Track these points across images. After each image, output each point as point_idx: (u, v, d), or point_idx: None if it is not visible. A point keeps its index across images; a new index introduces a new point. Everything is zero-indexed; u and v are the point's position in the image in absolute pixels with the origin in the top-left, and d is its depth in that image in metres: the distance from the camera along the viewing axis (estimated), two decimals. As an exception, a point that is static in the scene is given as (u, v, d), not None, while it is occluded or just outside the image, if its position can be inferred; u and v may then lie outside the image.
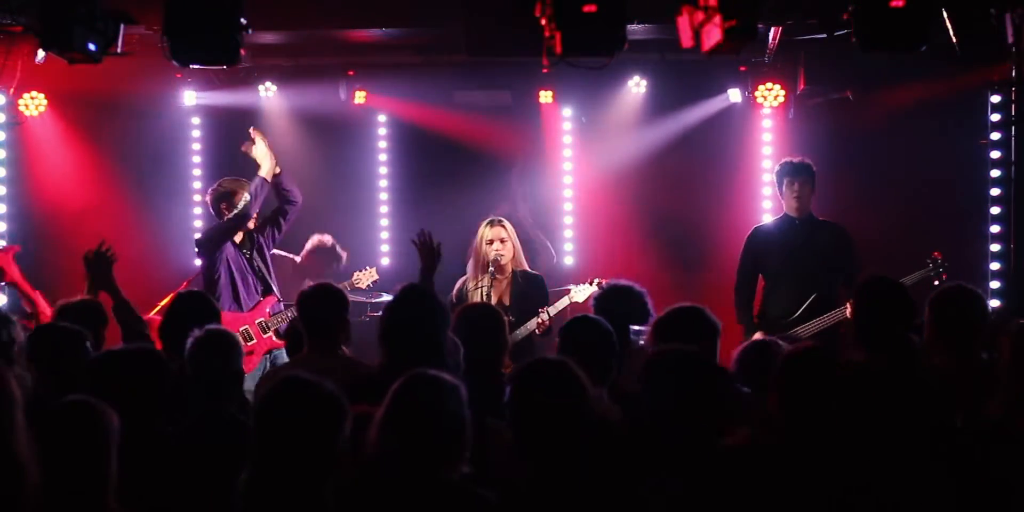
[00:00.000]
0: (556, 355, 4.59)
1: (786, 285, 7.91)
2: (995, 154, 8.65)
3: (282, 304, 8.38)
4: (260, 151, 8.38)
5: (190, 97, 10.13)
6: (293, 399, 3.60)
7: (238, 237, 8.33)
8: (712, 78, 9.86)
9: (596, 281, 7.74)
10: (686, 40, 7.07)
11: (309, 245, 9.48)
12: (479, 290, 7.62)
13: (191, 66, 7.63)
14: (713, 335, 4.71)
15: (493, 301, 7.50)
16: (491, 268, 7.64)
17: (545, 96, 10.04)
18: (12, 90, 9.76)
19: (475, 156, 10.21)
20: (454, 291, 7.75)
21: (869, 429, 3.80)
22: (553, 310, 7.64)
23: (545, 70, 8.85)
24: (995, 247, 8.81)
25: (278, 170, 8.43)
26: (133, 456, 3.68)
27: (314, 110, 10.19)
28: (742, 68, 9.77)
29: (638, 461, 3.83)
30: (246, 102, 10.17)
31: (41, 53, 8.06)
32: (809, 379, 3.93)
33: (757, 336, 7.49)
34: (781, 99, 9.75)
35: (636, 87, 9.98)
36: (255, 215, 8.34)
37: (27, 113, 9.98)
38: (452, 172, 10.24)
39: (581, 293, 7.74)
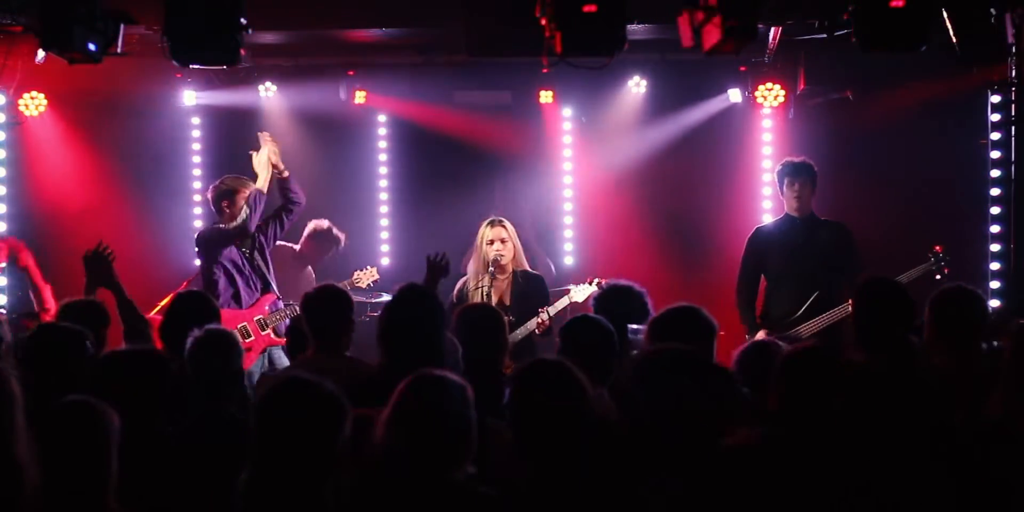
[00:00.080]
0: (557, 355, 4.59)
1: (788, 284, 7.91)
2: (995, 154, 8.65)
3: (281, 302, 8.39)
4: (260, 161, 8.41)
5: (190, 97, 10.13)
6: (293, 399, 3.60)
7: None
8: (712, 78, 9.87)
9: (596, 281, 7.74)
10: (686, 40, 7.08)
11: (306, 231, 9.46)
12: (479, 290, 7.63)
13: (191, 66, 7.63)
14: (710, 335, 4.71)
15: (493, 301, 7.50)
16: (491, 268, 7.64)
17: (545, 96, 10.04)
18: (12, 90, 9.77)
19: (475, 156, 10.21)
20: (455, 291, 7.75)
21: (869, 429, 3.80)
22: (553, 310, 7.64)
23: (545, 70, 8.86)
24: (995, 247, 8.81)
25: (286, 173, 8.45)
26: (133, 456, 3.67)
27: (314, 110, 10.20)
28: (742, 68, 9.77)
29: (638, 461, 3.83)
30: (246, 102, 10.18)
31: (41, 53, 8.06)
32: (809, 379, 3.93)
33: (760, 335, 7.51)
34: (781, 99, 9.75)
35: (636, 87, 9.99)
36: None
37: (27, 113, 9.98)
38: (452, 172, 10.25)
39: (580, 293, 7.75)
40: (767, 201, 9.91)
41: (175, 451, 4.18)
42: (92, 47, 7.10)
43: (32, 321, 7.61)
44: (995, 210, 8.74)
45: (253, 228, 8.28)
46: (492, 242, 7.71)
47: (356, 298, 8.46)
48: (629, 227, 10.21)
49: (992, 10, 7.56)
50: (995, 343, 5.03)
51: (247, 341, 7.95)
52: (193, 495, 4.06)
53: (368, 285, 8.81)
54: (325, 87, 10.10)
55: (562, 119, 10.39)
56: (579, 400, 3.79)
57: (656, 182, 10.15)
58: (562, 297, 7.83)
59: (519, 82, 9.94)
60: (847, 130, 9.67)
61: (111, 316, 5.60)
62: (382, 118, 10.56)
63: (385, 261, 10.45)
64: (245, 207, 8.24)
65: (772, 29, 8.58)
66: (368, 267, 8.87)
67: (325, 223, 9.43)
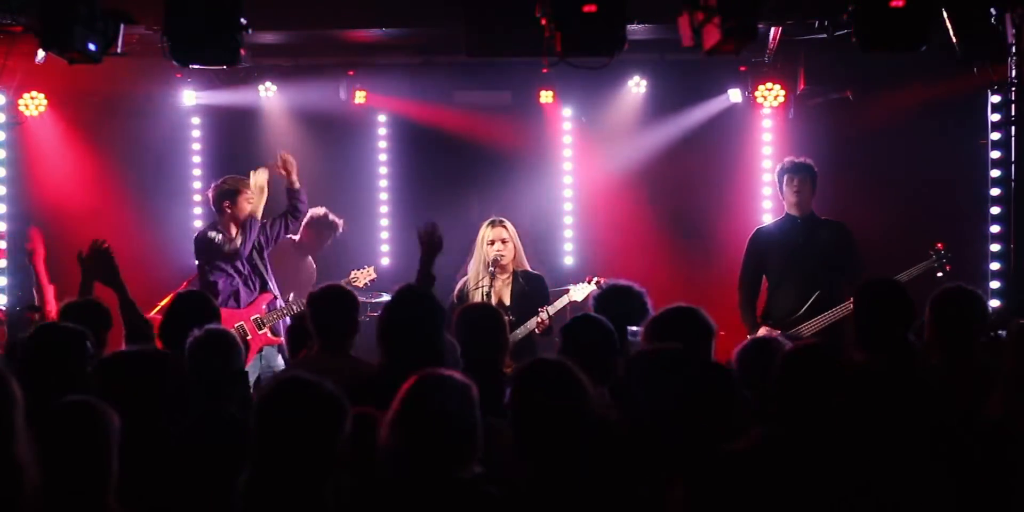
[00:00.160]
0: (557, 355, 4.60)
1: (789, 284, 7.91)
2: (995, 154, 8.65)
3: (279, 301, 8.40)
4: (257, 183, 8.44)
5: (190, 97, 10.14)
6: (293, 399, 3.60)
7: (235, 234, 8.36)
8: (712, 78, 9.87)
9: (595, 279, 7.74)
10: (686, 40, 7.09)
11: (304, 220, 9.46)
12: (479, 290, 7.63)
13: (191, 66, 7.63)
14: (708, 336, 4.71)
15: (493, 301, 7.50)
16: (491, 268, 7.64)
17: (545, 96, 10.04)
18: (12, 90, 9.77)
19: (475, 156, 10.22)
20: (455, 291, 7.75)
21: (869, 429, 3.80)
22: (552, 309, 7.64)
23: (545, 70, 8.87)
24: (995, 247, 8.80)
25: (297, 185, 8.53)
26: (133, 456, 3.67)
27: (314, 110, 10.20)
28: (742, 68, 9.77)
29: (638, 461, 3.83)
30: (246, 102, 10.18)
31: (41, 53, 8.06)
32: (810, 377, 3.93)
33: (762, 332, 7.52)
34: (781, 99, 9.75)
35: (636, 87, 9.99)
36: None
37: (27, 113, 9.98)
38: (452, 172, 10.25)
39: (580, 292, 7.74)
40: (767, 201, 9.91)
41: (175, 451, 4.18)
42: (92, 47, 7.10)
43: (35, 313, 7.58)
44: (995, 210, 8.73)
45: (247, 253, 8.28)
46: (493, 242, 7.71)
47: (355, 298, 8.53)
48: (629, 227, 10.22)
49: (992, 10, 7.57)
50: (997, 333, 5.03)
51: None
52: (193, 495, 4.06)
53: (365, 284, 8.81)
54: (325, 87, 10.10)
55: (562, 119, 10.39)
56: (580, 400, 3.80)
57: (656, 182, 10.15)
58: (561, 296, 7.83)
59: (519, 82, 9.94)
60: (847, 130, 9.67)
61: (113, 318, 5.60)
62: (382, 118, 10.56)
63: (385, 261, 10.45)
64: (239, 237, 8.25)
65: (772, 29, 8.58)
66: (365, 267, 8.87)
67: (321, 210, 9.41)
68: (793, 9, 7.98)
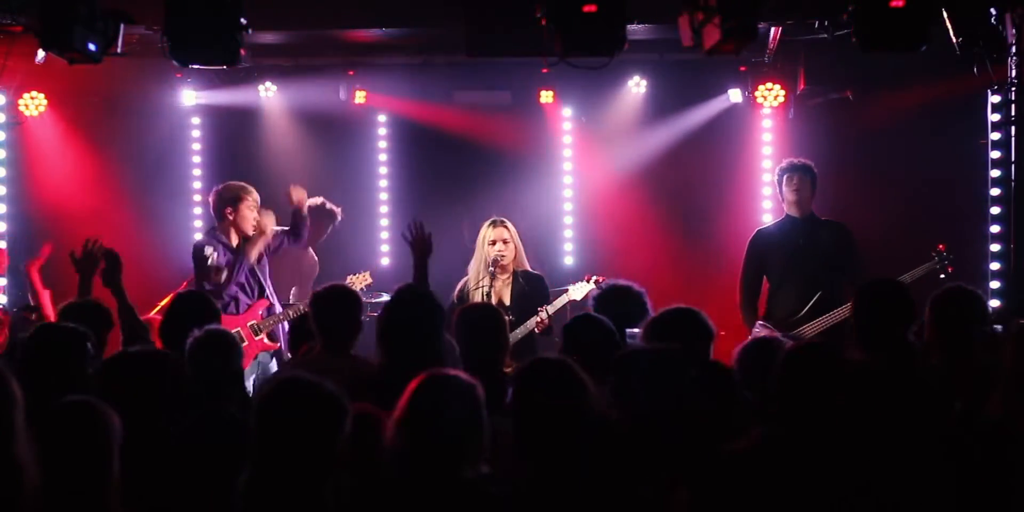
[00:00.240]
0: (558, 354, 4.60)
1: (790, 285, 7.90)
2: (995, 154, 8.64)
3: (276, 307, 8.40)
4: (265, 225, 8.40)
5: (190, 97, 10.14)
6: (293, 399, 3.60)
7: (234, 241, 8.36)
8: (712, 78, 9.87)
9: (594, 279, 7.74)
10: (686, 40, 7.09)
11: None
12: (479, 290, 7.64)
13: (191, 66, 7.63)
14: (707, 338, 4.71)
15: (493, 301, 7.50)
16: (491, 268, 7.64)
17: (546, 96, 10.04)
18: (12, 90, 9.77)
19: (475, 156, 10.22)
20: (455, 291, 7.75)
21: (869, 429, 3.80)
22: (552, 309, 7.64)
23: (545, 70, 8.88)
24: (995, 247, 8.79)
25: (304, 213, 8.54)
26: (134, 456, 3.68)
27: (314, 110, 10.20)
28: (742, 68, 9.77)
29: (639, 460, 3.83)
30: (246, 102, 10.19)
31: (41, 53, 8.07)
32: (810, 375, 3.93)
33: (757, 329, 7.52)
34: (781, 99, 9.75)
35: (636, 87, 9.99)
36: (252, 229, 8.43)
37: (27, 113, 9.99)
38: (452, 172, 10.26)
39: (579, 291, 7.74)
40: (767, 201, 9.91)
41: (175, 451, 4.18)
42: (92, 47, 7.11)
43: (32, 313, 7.58)
44: (995, 210, 8.73)
45: (230, 289, 8.24)
46: (494, 242, 7.71)
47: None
48: (629, 227, 10.22)
49: (992, 10, 7.57)
50: (993, 327, 5.04)
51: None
52: (193, 495, 4.06)
53: (361, 289, 8.80)
54: (325, 87, 10.10)
55: (562, 119, 10.39)
56: (582, 399, 3.80)
57: (656, 182, 10.16)
58: (561, 296, 7.83)
59: (519, 82, 9.94)
60: (847, 130, 9.67)
61: (113, 319, 5.59)
62: (382, 118, 10.56)
63: (385, 261, 10.46)
64: (224, 272, 8.25)
65: (772, 29, 8.58)
66: (362, 271, 8.83)
67: (319, 199, 9.40)
68: (793, 9, 7.98)
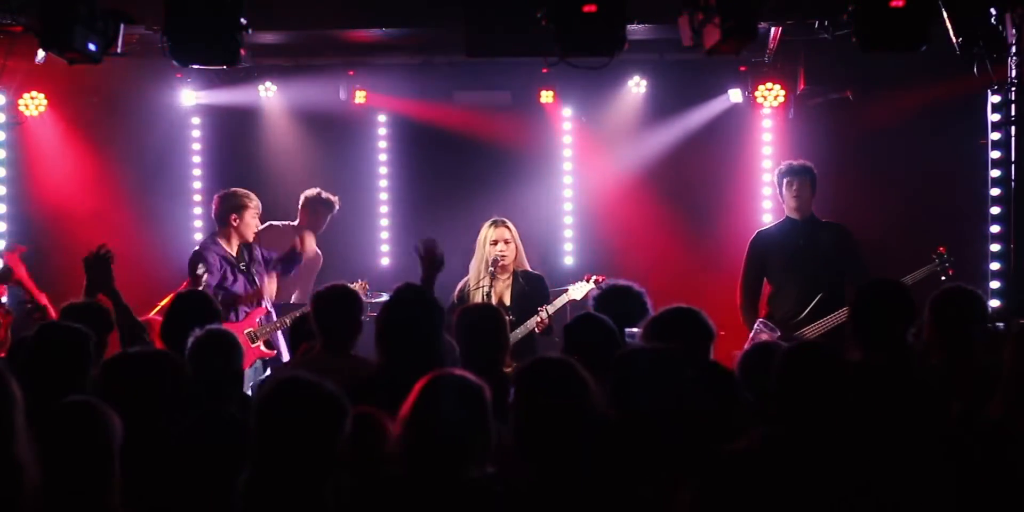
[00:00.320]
0: (560, 353, 4.60)
1: (791, 287, 7.90)
2: (995, 154, 8.64)
3: (272, 315, 8.40)
4: (310, 246, 8.42)
5: (190, 97, 10.13)
6: (293, 399, 3.60)
7: (234, 248, 8.37)
8: (712, 78, 9.87)
9: (593, 278, 7.74)
10: (686, 40, 7.10)
11: (300, 203, 9.43)
12: (480, 290, 7.64)
13: (191, 66, 7.63)
14: (707, 338, 4.70)
15: (494, 301, 7.51)
16: (491, 267, 7.64)
17: (546, 96, 10.04)
18: (12, 90, 9.77)
19: (475, 156, 10.22)
20: (456, 291, 7.75)
21: (869, 429, 3.80)
22: (552, 309, 7.64)
23: (545, 70, 8.88)
24: (995, 247, 8.79)
25: (299, 251, 8.62)
26: (134, 456, 3.68)
27: (314, 110, 10.20)
28: (742, 68, 9.77)
29: (638, 460, 3.83)
30: (246, 102, 10.19)
31: (41, 53, 8.06)
32: (810, 375, 3.92)
33: (757, 326, 7.52)
34: (781, 99, 9.74)
35: (636, 87, 9.99)
36: (253, 236, 8.48)
37: (27, 113, 9.98)
38: (452, 172, 10.26)
39: (579, 290, 7.74)
40: (767, 201, 9.91)
41: (175, 451, 4.18)
42: (92, 47, 7.11)
43: (37, 312, 7.55)
44: (995, 210, 8.72)
45: (227, 297, 8.25)
46: (496, 242, 7.71)
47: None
48: (629, 227, 10.22)
49: (992, 10, 7.57)
50: (995, 324, 5.03)
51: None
52: (193, 495, 4.06)
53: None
54: (325, 87, 10.09)
55: (562, 119, 10.39)
56: (583, 398, 3.81)
57: (656, 182, 10.15)
58: (561, 295, 7.83)
59: (519, 82, 9.94)
60: (847, 130, 9.67)
61: (113, 321, 5.59)
62: (382, 118, 10.56)
63: (385, 261, 10.46)
64: (240, 250, 8.26)
65: (772, 29, 8.58)
66: (359, 280, 8.80)
67: (315, 190, 9.40)
68: (793, 9, 7.98)
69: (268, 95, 10.10)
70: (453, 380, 3.76)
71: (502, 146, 10.26)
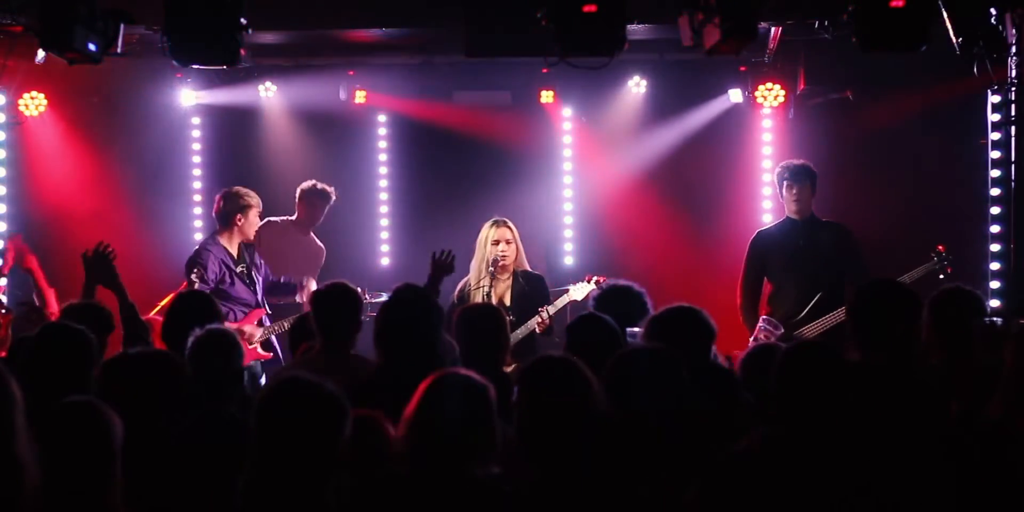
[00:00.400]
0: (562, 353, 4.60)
1: (791, 286, 7.91)
2: (995, 154, 8.63)
3: (268, 319, 8.40)
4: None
5: (190, 97, 10.13)
6: (293, 400, 3.60)
7: (235, 247, 8.38)
8: (712, 78, 9.86)
9: (594, 279, 7.75)
10: (686, 40, 7.10)
11: (296, 197, 9.42)
12: (480, 290, 7.64)
13: (191, 66, 7.62)
14: (708, 337, 4.70)
15: (494, 301, 7.51)
16: (491, 267, 7.64)
17: (546, 96, 10.03)
18: (12, 90, 9.76)
19: (475, 156, 10.22)
20: (456, 291, 7.75)
21: (869, 429, 3.80)
22: (553, 309, 7.64)
23: (545, 70, 8.88)
24: (995, 247, 8.78)
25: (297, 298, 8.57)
26: (134, 456, 3.68)
27: (314, 110, 10.20)
28: (742, 68, 9.76)
29: (638, 460, 3.83)
30: (246, 102, 10.18)
31: (41, 53, 8.06)
32: (809, 375, 3.93)
33: (767, 327, 7.52)
34: (781, 99, 9.74)
35: (636, 87, 9.99)
36: (253, 236, 8.49)
37: (27, 113, 9.97)
38: (452, 172, 10.26)
39: (579, 291, 7.75)
40: (767, 201, 9.91)
41: (175, 451, 4.18)
42: (92, 47, 7.11)
43: (32, 312, 7.55)
44: (995, 210, 8.72)
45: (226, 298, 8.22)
46: (497, 242, 7.71)
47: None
48: (630, 227, 10.22)
49: (992, 10, 7.57)
50: (993, 320, 5.04)
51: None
52: (193, 495, 4.06)
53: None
54: (325, 87, 10.09)
55: (562, 119, 10.39)
56: (587, 396, 3.81)
57: (656, 182, 10.15)
58: (561, 296, 7.83)
59: (519, 82, 9.93)
60: (847, 130, 9.67)
61: (114, 322, 5.58)
62: (382, 118, 10.56)
63: (385, 261, 10.46)
64: (240, 252, 8.27)
65: (772, 29, 8.58)
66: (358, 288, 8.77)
67: (310, 182, 9.39)
68: (793, 9, 7.98)
69: (268, 95, 10.09)
70: (458, 379, 3.77)
71: (502, 146, 10.26)
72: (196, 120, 10.52)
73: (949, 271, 7.84)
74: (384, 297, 8.37)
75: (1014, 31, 7.59)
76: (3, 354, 6.16)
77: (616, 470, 3.76)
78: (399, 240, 10.45)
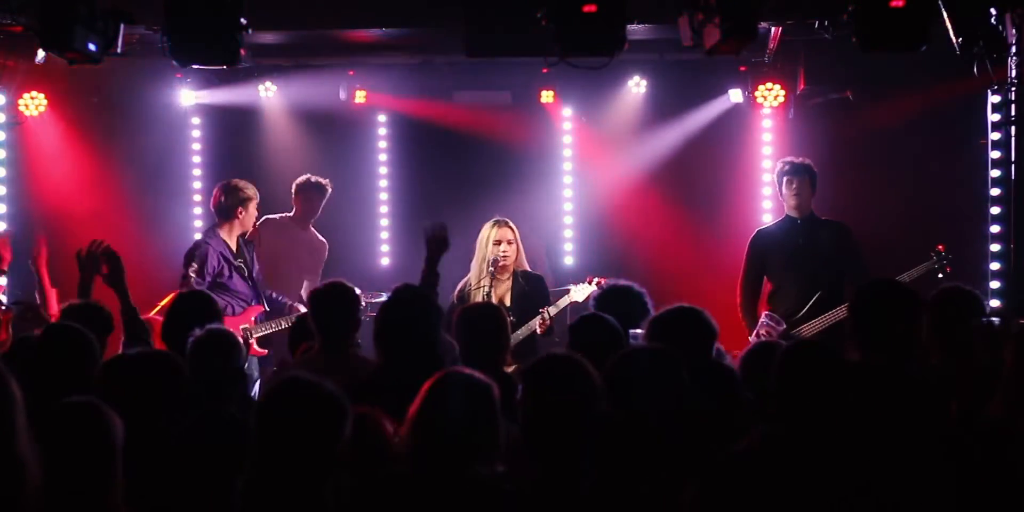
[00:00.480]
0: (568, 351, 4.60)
1: (790, 285, 7.91)
2: (995, 154, 8.63)
3: (266, 314, 8.41)
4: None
5: (190, 97, 10.13)
6: (293, 399, 3.60)
7: (233, 240, 8.38)
8: (712, 78, 9.87)
9: (595, 280, 7.75)
10: (686, 40, 7.10)
11: (292, 192, 9.42)
12: (480, 290, 7.64)
13: (191, 66, 7.62)
14: (710, 337, 4.70)
15: (494, 301, 7.50)
16: (491, 268, 7.64)
17: (546, 96, 10.04)
18: (12, 90, 9.77)
19: (476, 156, 10.22)
20: (456, 292, 7.75)
21: (869, 429, 3.80)
22: (554, 310, 7.64)
23: (545, 70, 8.88)
24: (995, 247, 8.79)
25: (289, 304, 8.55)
26: (134, 456, 3.67)
27: (314, 110, 10.20)
28: (742, 68, 9.76)
29: (638, 459, 3.83)
30: (246, 102, 10.19)
31: (41, 53, 8.07)
32: (809, 374, 3.93)
33: (769, 322, 7.52)
34: (781, 99, 9.74)
35: (636, 87, 9.99)
36: (253, 227, 8.50)
37: (27, 113, 9.98)
38: (452, 172, 10.27)
39: (580, 292, 7.75)
40: (767, 201, 9.91)
41: (175, 451, 4.18)
42: (92, 47, 7.10)
43: (28, 312, 7.54)
44: (995, 210, 8.72)
45: (226, 292, 8.22)
46: (498, 242, 7.71)
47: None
48: (630, 227, 10.22)
49: (992, 10, 7.57)
50: (991, 319, 5.04)
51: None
52: (193, 495, 4.06)
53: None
54: (325, 87, 10.09)
55: (562, 119, 10.39)
56: (591, 394, 3.81)
57: (657, 182, 10.16)
58: (562, 297, 7.83)
59: (519, 82, 9.94)
60: (847, 130, 9.67)
61: (114, 323, 5.58)
62: (382, 118, 10.56)
63: (385, 261, 10.46)
64: (240, 247, 8.28)
65: (772, 29, 8.58)
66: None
67: (305, 176, 9.39)
68: (793, 9, 7.98)
69: (268, 95, 10.10)
70: (462, 378, 3.78)
71: (502, 146, 10.26)
72: (196, 120, 10.52)
73: (948, 270, 7.85)
74: (384, 297, 8.39)
75: (1014, 31, 7.59)
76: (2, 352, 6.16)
77: (617, 469, 3.76)
78: (399, 240, 10.45)
